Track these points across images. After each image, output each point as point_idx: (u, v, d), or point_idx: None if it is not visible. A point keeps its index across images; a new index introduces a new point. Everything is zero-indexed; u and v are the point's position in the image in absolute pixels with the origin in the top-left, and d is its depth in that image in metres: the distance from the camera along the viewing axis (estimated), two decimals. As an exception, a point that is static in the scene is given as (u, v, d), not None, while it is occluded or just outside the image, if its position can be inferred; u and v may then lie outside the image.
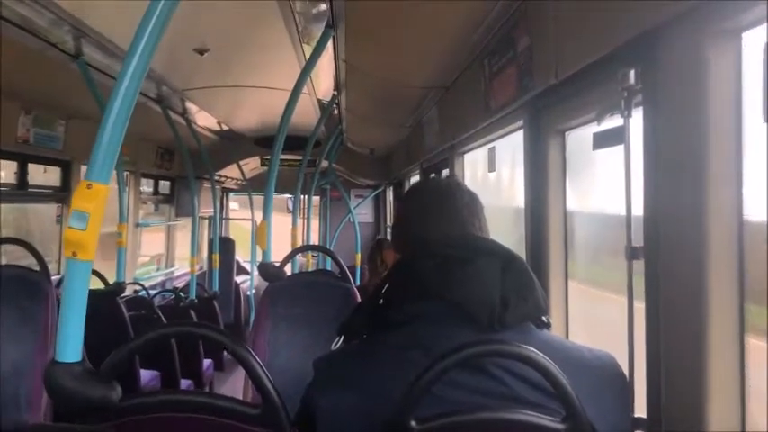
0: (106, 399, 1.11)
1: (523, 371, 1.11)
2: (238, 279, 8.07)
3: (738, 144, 1.13)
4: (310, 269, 6.07)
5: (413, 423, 1.07)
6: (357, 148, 7.25)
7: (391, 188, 8.16)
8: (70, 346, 1.13)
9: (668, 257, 1.22)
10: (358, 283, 6.02)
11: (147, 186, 6.57)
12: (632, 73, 1.33)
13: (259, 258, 3.41)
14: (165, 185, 7.02)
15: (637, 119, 1.37)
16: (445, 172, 3.92)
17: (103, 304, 3.72)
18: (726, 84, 1.14)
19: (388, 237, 6.94)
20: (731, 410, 1.12)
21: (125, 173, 5.10)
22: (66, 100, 4.08)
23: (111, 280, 4.28)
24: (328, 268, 5.91)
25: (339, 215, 8.22)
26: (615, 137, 1.47)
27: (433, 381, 1.06)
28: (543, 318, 1.24)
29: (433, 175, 4.47)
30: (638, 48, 1.31)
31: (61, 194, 4.59)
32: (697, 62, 1.15)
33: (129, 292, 5.39)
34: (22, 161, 4.12)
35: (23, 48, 3.01)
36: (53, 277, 3.35)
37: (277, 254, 3.55)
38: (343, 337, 1.32)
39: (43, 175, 4.47)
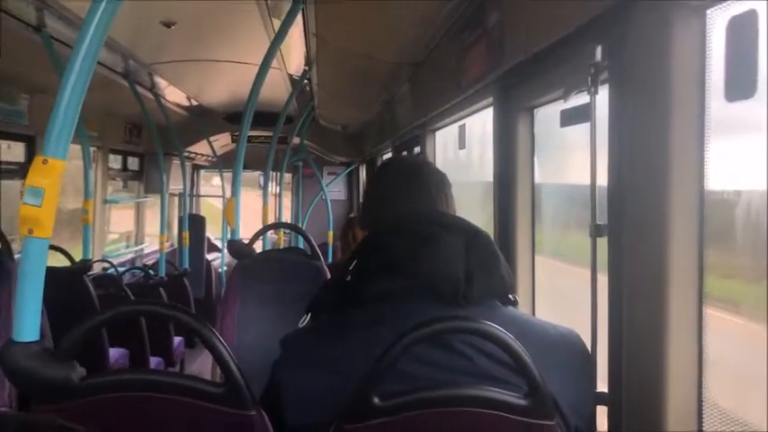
0: (65, 379, 1.09)
1: (489, 347, 1.11)
2: (210, 256, 8.01)
3: (701, 121, 1.14)
4: (282, 247, 6.05)
5: (376, 400, 1.07)
6: (329, 125, 7.20)
7: (364, 166, 8.14)
8: (27, 325, 1.10)
9: (631, 234, 1.23)
10: (330, 260, 6.01)
11: (115, 163, 6.46)
12: (599, 49, 1.32)
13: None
14: (134, 162, 6.90)
15: (603, 96, 1.37)
16: (417, 150, 3.91)
17: (70, 283, 3.67)
18: (690, 61, 1.14)
19: (361, 214, 6.91)
20: (689, 385, 1.14)
21: (92, 148, 5.00)
22: (30, 74, 3.98)
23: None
24: (300, 246, 5.89)
25: (312, 193, 8.18)
26: (582, 114, 1.48)
27: (395, 359, 1.06)
28: (510, 295, 1.25)
29: (405, 152, 4.46)
30: (604, 24, 1.30)
31: (26, 170, 4.49)
32: (662, 39, 1.15)
33: (97, 269, 5.32)
34: (-15, 137, 4.02)
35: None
36: (17, 256, 3.29)
37: (251, 231, 3.52)
38: (310, 315, 1.32)
39: (7, 151, 4.36)
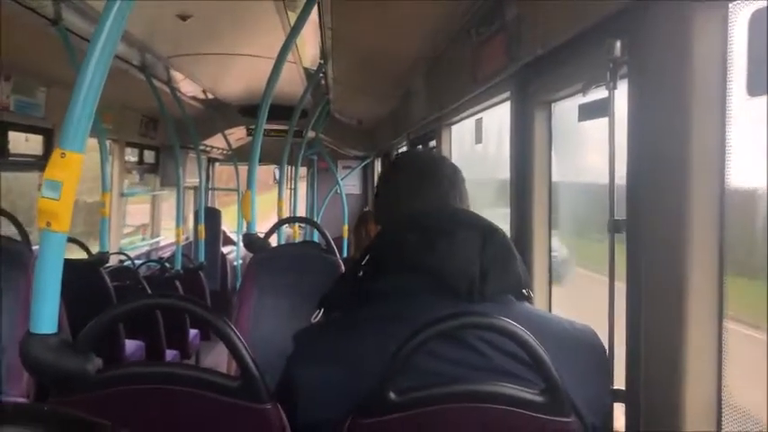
0: (82, 371, 1.10)
1: (504, 343, 1.11)
2: (225, 250, 8.04)
3: (723, 116, 1.12)
4: (297, 240, 6.06)
5: (392, 395, 1.07)
6: (344, 119, 7.19)
7: (379, 159, 8.13)
8: (45, 317, 1.11)
9: (650, 230, 1.21)
10: (345, 254, 6.01)
11: (131, 156, 6.50)
12: (618, 44, 1.31)
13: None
14: (150, 155, 6.94)
15: (622, 90, 1.36)
16: (433, 144, 3.90)
17: (87, 275, 3.70)
18: (712, 56, 1.13)
19: (375, 208, 6.91)
20: (708, 383, 1.12)
21: (108, 141, 5.03)
22: (46, 67, 4.00)
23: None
24: (315, 240, 5.89)
25: (326, 186, 8.18)
26: (600, 108, 1.46)
27: (411, 354, 1.06)
28: (524, 291, 1.24)
29: (420, 146, 4.45)
30: (624, 19, 1.29)
31: (43, 163, 4.52)
32: (683, 34, 1.14)
33: (113, 262, 5.36)
34: (3, 129, 4.04)
35: (1, 12, 2.94)
36: (34, 247, 3.32)
37: (261, 222, 3.53)
38: (323, 310, 1.32)
39: (25, 144, 4.39)
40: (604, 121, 1.49)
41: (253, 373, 1.13)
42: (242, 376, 1.14)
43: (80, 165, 1.11)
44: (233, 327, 1.14)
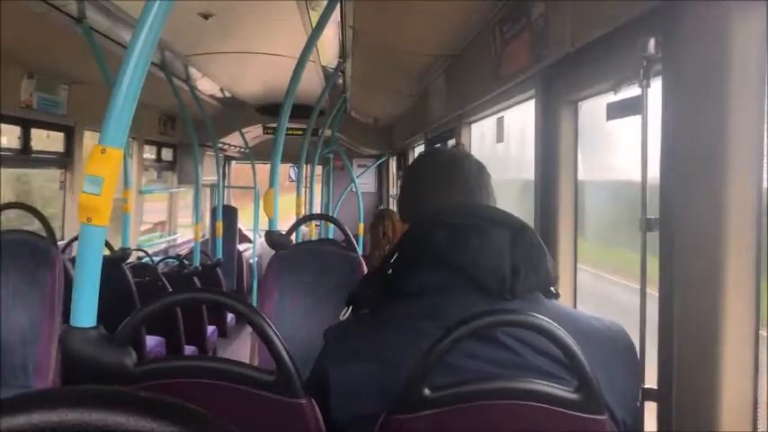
0: (122, 364, 1.11)
1: (535, 340, 1.11)
2: (241, 247, 8.08)
3: (761, 115, 1.11)
4: (313, 238, 6.08)
5: (427, 391, 1.07)
6: (361, 117, 7.20)
7: (394, 158, 8.13)
8: (85, 311, 1.13)
9: (684, 230, 1.21)
10: (361, 252, 6.01)
11: (149, 153, 6.54)
12: (652, 42, 1.30)
13: (262, 226, 3.40)
14: (168, 153, 6.99)
15: (654, 88, 1.35)
16: (451, 142, 3.89)
17: (109, 270, 3.72)
18: (749, 54, 1.12)
19: (392, 207, 6.93)
20: (744, 383, 1.12)
21: (128, 139, 5.06)
22: (69, 64, 4.04)
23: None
24: (330, 237, 5.91)
25: (341, 185, 8.20)
26: (632, 107, 1.46)
27: (447, 350, 1.06)
28: (551, 288, 1.24)
29: (438, 145, 4.44)
30: (658, 16, 1.28)
31: (64, 160, 4.56)
32: (719, 30, 1.13)
33: (132, 258, 5.39)
34: (26, 126, 4.09)
35: (25, 10, 2.97)
36: (59, 243, 3.35)
37: (279, 222, 3.54)
38: (351, 308, 1.32)
39: (46, 141, 4.44)
40: (617, 121, 1.49)
41: (288, 367, 1.14)
42: (278, 371, 1.15)
43: (120, 160, 1.12)
44: (270, 323, 1.15)
